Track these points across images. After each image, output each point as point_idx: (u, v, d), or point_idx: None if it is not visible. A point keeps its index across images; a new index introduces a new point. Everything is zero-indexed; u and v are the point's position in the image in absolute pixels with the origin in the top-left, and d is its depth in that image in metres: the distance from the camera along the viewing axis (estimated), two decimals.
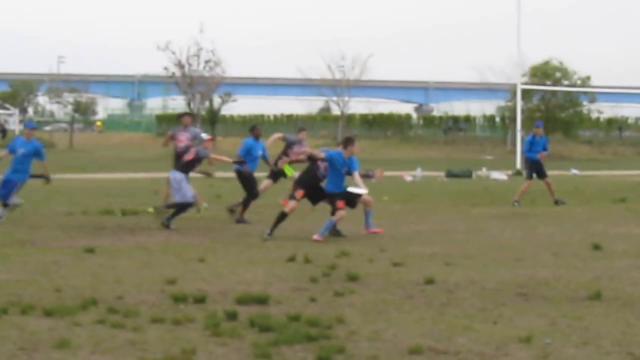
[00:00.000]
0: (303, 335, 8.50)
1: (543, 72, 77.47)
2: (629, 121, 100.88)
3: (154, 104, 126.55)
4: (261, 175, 20.87)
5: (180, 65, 79.11)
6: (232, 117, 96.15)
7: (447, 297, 10.81)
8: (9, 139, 52.58)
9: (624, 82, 62.83)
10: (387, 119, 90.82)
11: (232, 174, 21.04)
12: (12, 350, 7.99)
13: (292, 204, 16.84)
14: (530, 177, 24.80)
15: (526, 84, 67.52)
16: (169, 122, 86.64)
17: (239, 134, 75.61)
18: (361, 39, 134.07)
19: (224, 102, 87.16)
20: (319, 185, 17.23)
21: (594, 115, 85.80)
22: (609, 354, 8.21)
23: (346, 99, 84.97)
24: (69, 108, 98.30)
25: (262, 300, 10.24)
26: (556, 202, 24.28)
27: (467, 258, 14.08)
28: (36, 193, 24.44)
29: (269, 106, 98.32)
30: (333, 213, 16.63)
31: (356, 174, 16.79)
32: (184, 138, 20.32)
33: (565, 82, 76.74)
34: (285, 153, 20.12)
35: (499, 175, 41.79)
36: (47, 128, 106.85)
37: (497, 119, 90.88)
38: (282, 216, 16.73)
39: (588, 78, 78.44)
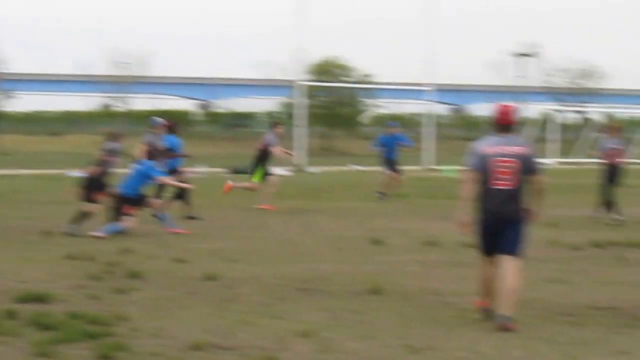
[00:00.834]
0: (84, 333, 8.42)
1: (324, 70, 78.79)
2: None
3: None
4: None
5: None
6: (15, 114, 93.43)
7: (229, 292, 10.89)
8: None
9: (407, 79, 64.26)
10: (169, 115, 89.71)
11: None
12: None
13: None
14: (393, 171, 25.53)
15: (310, 81, 68.38)
16: None
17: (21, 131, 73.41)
18: (145, 35, 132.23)
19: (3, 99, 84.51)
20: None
21: (373, 111, 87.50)
22: (389, 346, 8.47)
23: (129, 95, 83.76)
24: None
25: (42, 299, 10.07)
26: (381, 194, 24.96)
27: (250, 254, 14.21)
28: None
29: (50, 103, 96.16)
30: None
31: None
32: None
33: (348, 79, 78.15)
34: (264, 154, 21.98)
35: (281, 171, 42.20)
36: None
37: (284, 116, 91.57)
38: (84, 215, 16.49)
39: (368, 75, 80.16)
